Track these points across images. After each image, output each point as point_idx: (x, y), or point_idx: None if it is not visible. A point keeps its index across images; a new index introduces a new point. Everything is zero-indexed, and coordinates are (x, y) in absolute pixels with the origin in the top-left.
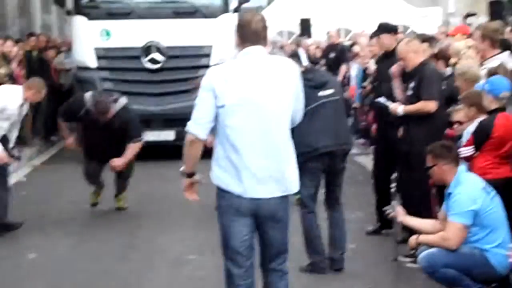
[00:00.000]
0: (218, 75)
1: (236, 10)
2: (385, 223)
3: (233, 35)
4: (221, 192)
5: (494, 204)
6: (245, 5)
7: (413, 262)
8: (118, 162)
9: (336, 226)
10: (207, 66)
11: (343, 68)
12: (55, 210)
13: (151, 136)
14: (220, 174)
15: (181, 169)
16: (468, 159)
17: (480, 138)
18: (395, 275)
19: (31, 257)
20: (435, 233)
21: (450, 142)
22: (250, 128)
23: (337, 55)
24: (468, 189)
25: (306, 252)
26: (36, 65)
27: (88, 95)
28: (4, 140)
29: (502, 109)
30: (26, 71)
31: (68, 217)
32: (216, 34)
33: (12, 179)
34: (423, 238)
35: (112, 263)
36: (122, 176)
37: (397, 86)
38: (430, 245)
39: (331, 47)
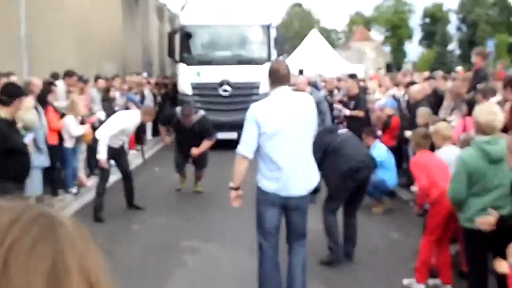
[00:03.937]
0: (259, 110)
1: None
2: None
3: (267, 78)
4: (261, 190)
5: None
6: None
7: None
8: (195, 151)
9: (353, 228)
10: (256, 94)
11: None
12: (154, 193)
13: (222, 135)
14: (263, 180)
15: (230, 184)
16: None
17: None
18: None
19: (134, 228)
20: None
21: None
22: (284, 147)
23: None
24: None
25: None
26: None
27: (178, 108)
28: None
29: None
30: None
31: (163, 200)
32: (262, 75)
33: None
34: None
35: (189, 232)
36: (199, 166)
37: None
38: None
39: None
